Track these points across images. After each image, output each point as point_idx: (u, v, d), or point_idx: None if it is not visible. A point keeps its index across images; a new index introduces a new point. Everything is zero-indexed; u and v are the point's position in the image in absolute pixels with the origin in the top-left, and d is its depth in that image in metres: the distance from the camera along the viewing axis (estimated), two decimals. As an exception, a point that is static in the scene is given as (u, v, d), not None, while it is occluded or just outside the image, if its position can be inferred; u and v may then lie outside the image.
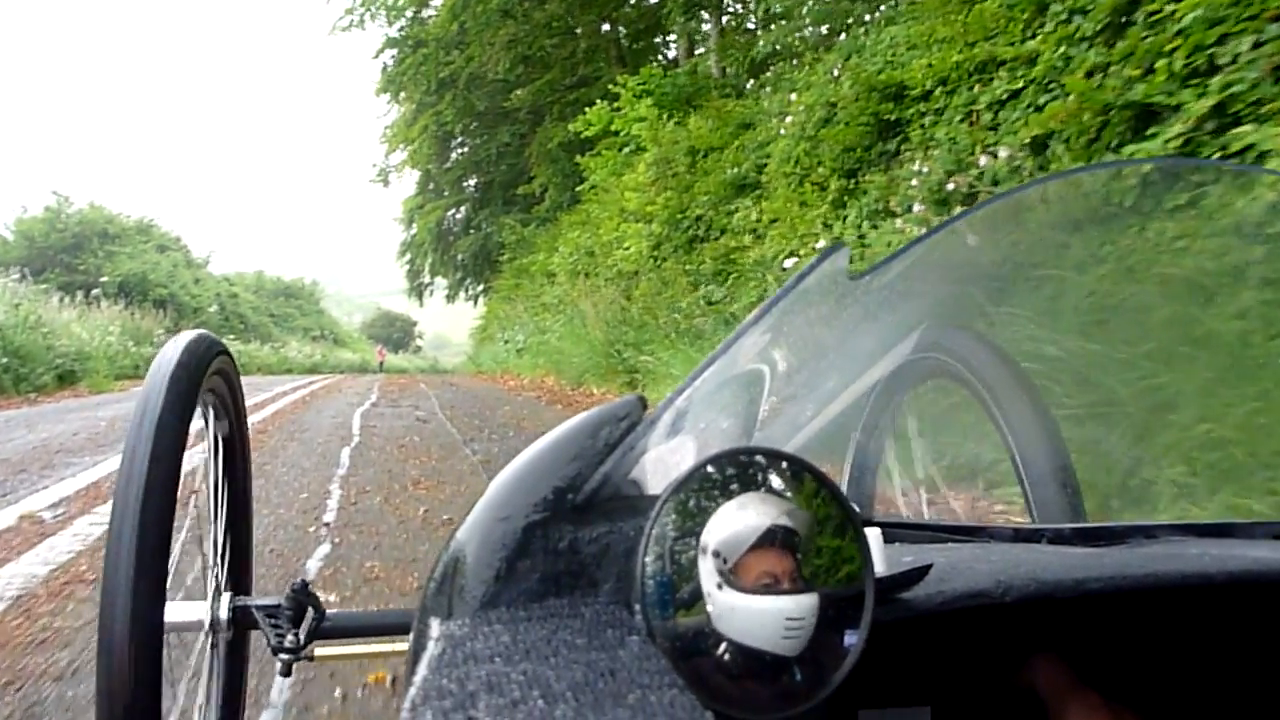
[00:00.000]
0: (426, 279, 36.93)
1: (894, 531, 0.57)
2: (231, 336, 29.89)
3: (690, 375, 0.53)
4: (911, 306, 0.75)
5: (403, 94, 29.63)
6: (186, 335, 0.99)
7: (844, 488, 0.85)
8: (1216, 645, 0.54)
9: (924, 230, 0.65)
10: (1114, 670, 0.52)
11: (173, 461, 0.87)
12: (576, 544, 0.48)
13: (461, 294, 35.90)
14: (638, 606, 0.43)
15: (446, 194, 32.90)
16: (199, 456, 1.13)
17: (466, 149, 31.39)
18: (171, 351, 0.95)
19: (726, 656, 0.41)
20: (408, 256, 36.48)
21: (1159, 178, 0.83)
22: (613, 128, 16.50)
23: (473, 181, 32.19)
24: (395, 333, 75.07)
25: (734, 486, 0.44)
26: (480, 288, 34.67)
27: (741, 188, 9.93)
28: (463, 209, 33.09)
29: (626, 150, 15.64)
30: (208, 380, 0.99)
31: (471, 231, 31.99)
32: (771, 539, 0.42)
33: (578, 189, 19.34)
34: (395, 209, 35.67)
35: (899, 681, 0.52)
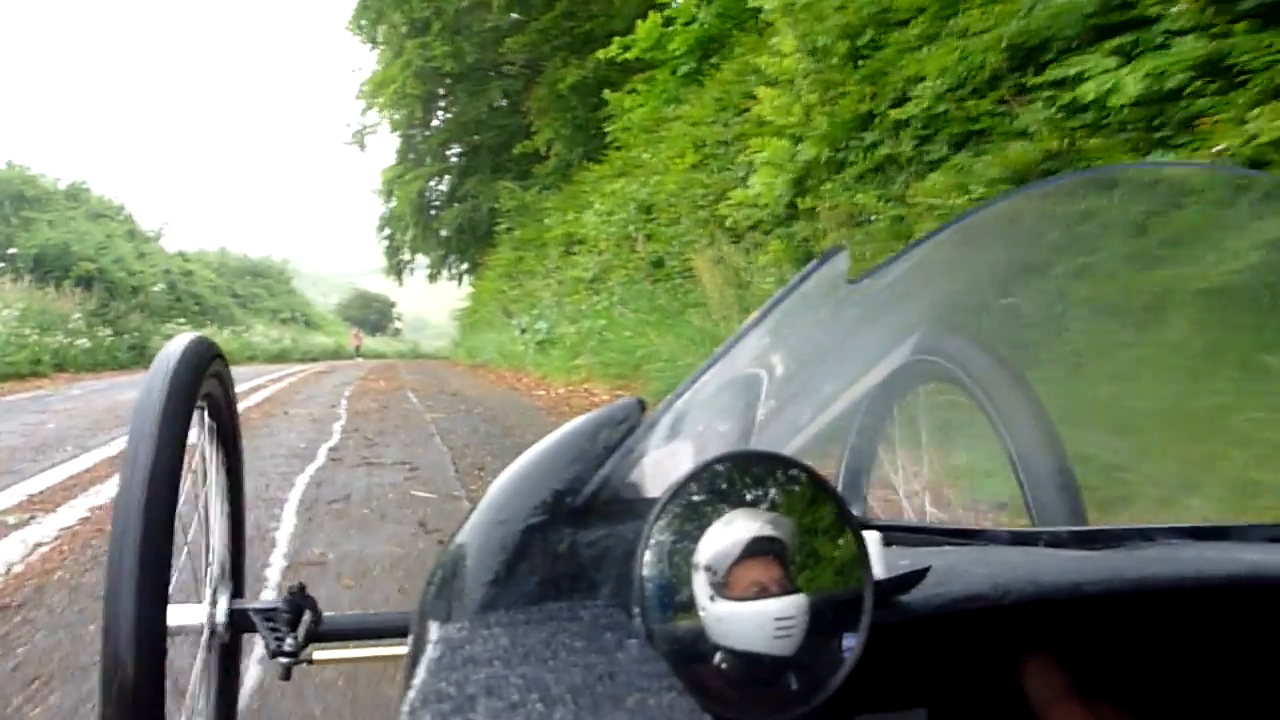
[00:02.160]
0: (406, 256, 34.17)
1: (891, 534, 0.56)
2: (181, 320, 24.55)
3: (689, 378, 0.53)
4: (909, 310, 0.74)
5: (380, 31, 24.15)
6: (183, 339, 0.99)
7: (841, 491, 0.73)
8: (1213, 648, 0.54)
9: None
10: (1111, 673, 0.52)
11: (173, 466, 0.86)
12: (575, 547, 0.48)
13: (444, 273, 33.36)
14: (637, 610, 0.43)
15: (429, 162, 30.26)
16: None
17: (451, 113, 28.69)
18: (170, 356, 0.94)
19: (725, 662, 0.42)
20: (386, 231, 33.60)
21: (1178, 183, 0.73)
22: (669, 49, 11.36)
23: (457, 150, 29.76)
24: (372, 314, 69.97)
25: (732, 490, 0.44)
26: (464, 266, 32.32)
27: (1037, 49, 4.84)
28: (446, 179, 30.72)
29: (678, 76, 10.55)
30: (204, 384, 0.98)
31: (456, 204, 29.39)
32: (759, 549, 0.42)
33: (607, 132, 15.48)
34: (374, 182, 32.93)
35: (895, 684, 0.52)
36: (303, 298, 51.12)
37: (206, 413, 1.10)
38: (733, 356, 0.54)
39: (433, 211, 30.35)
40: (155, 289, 25.64)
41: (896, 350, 0.78)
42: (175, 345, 0.97)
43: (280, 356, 30.90)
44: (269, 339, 33.57)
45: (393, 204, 31.51)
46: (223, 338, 27.97)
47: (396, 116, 28.40)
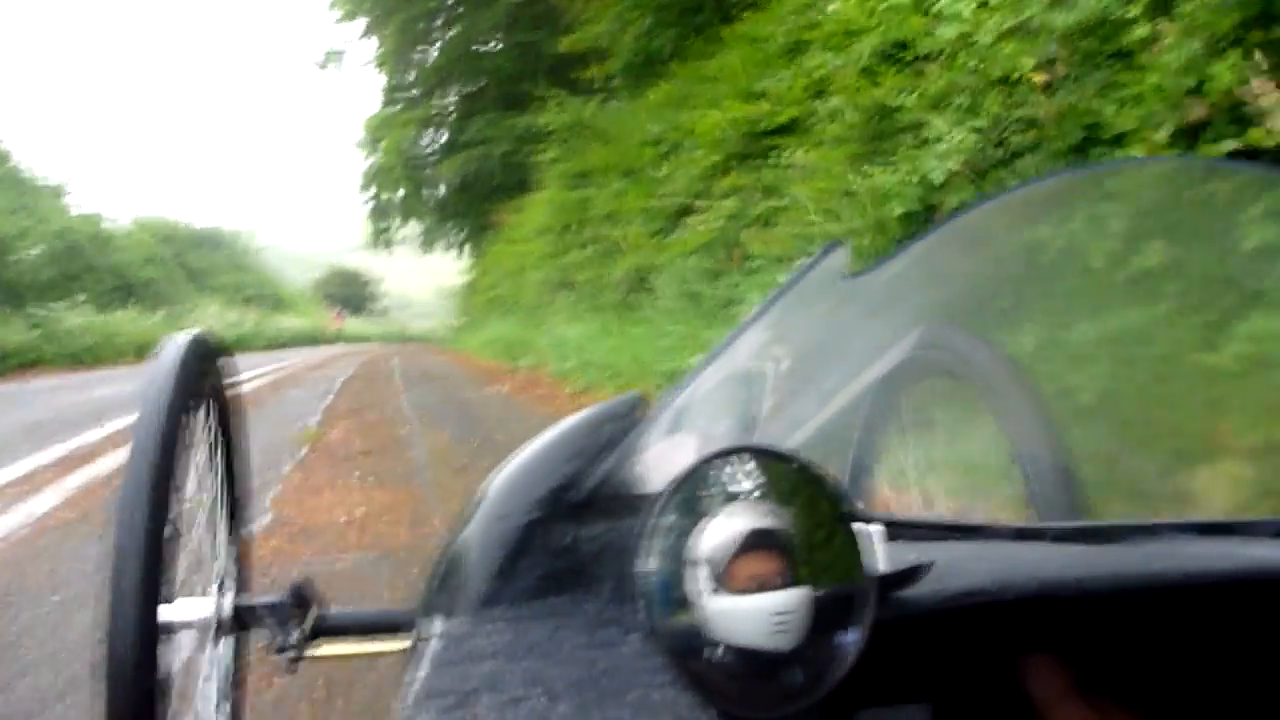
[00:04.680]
0: (395, 222, 27.71)
1: (894, 529, 0.54)
2: (81, 298, 16.19)
3: (691, 373, 0.53)
4: (910, 304, 0.74)
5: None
6: (185, 335, 0.97)
7: (843, 485, 0.67)
8: (1218, 644, 0.53)
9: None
10: (1115, 669, 0.51)
11: (175, 461, 0.85)
12: (576, 542, 0.48)
13: (439, 242, 27.48)
14: (638, 605, 0.42)
15: (420, 106, 24.27)
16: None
17: (453, 35, 22.50)
18: (171, 351, 0.93)
19: (725, 657, 0.41)
20: (371, 191, 27.10)
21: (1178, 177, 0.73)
22: None
23: (453, 98, 23.76)
24: (354, 292, 61.04)
25: (733, 485, 0.44)
26: (463, 233, 26.41)
27: None
28: (443, 131, 24.36)
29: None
30: (206, 379, 0.99)
31: (459, 152, 22.58)
32: (758, 542, 0.42)
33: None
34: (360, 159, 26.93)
35: (898, 679, 0.51)
36: (269, 273, 42.22)
37: (209, 408, 1.08)
38: (733, 352, 0.53)
39: (428, 171, 24.89)
40: (32, 253, 16.82)
41: (897, 345, 0.78)
42: (175, 343, 0.95)
43: (237, 345, 22.42)
44: (224, 323, 25.55)
45: (378, 156, 25.70)
46: (150, 322, 20.47)
47: (381, 50, 23.45)
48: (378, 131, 25.05)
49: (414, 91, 24.18)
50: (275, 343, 28.09)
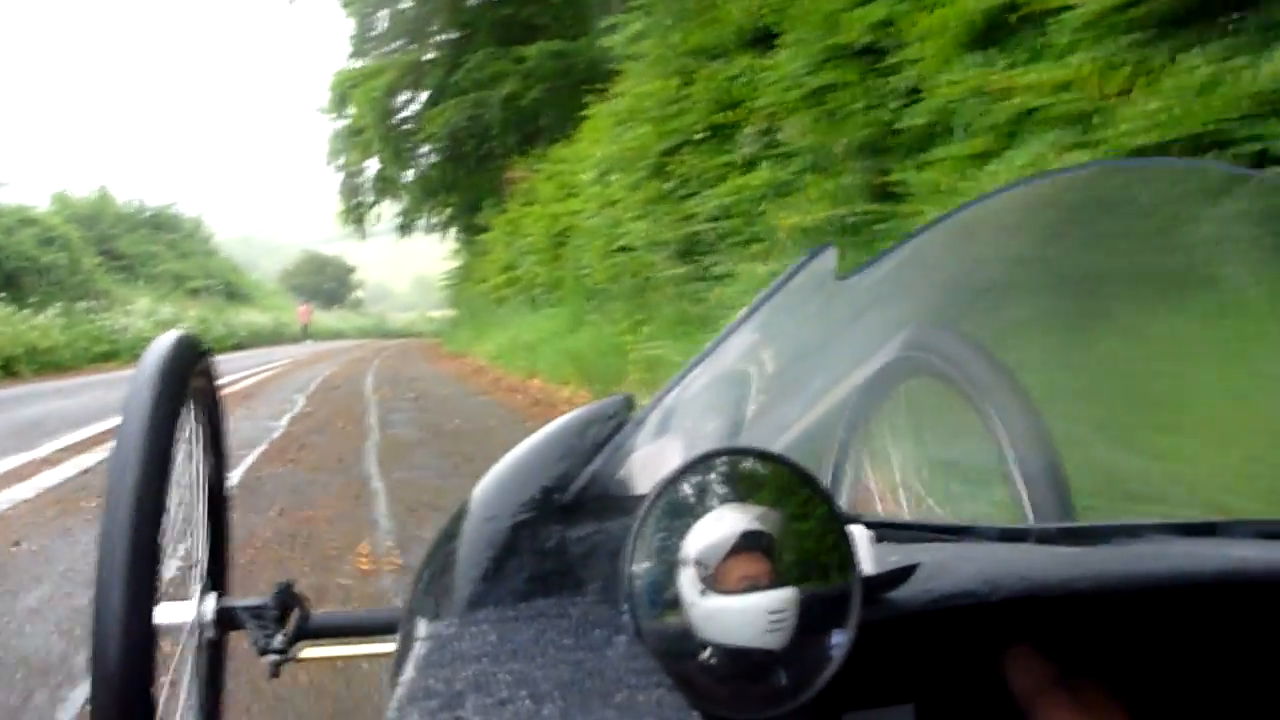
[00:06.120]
0: (369, 198, 22.57)
1: (880, 530, 0.53)
2: None
3: (678, 375, 0.52)
4: (899, 306, 0.73)
5: None
6: (170, 337, 0.94)
7: (830, 487, 0.72)
8: (1202, 644, 0.53)
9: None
10: (1101, 669, 0.51)
11: (161, 464, 0.82)
12: (564, 544, 0.47)
13: (418, 227, 22.96)
14: (625, 606, 0.42)
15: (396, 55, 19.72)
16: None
17: None
18: (157, 354, 0.89)
19: (713, 658, 0.41)
20: (341, 160, 22.11)
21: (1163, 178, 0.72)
22: None
23: (433, 54, 19.21)
24: (326, 282, 55.68)
25: (720, 487, 0.44)
26: (447, 213, 21.46)
27: None
28: (425, 88, 19.27)
29: None
30: (191, 382, 0.95)
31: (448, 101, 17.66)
32: (749, 544, 0.42)
33: None
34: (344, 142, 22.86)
35: (882, 680, 0.51)
36: (227, 260, 36.22)
37: (193, 411, 1.05)
38: (721, 353, 0.52)
39: (406, 129, 20.06)
40: None
41: (885, 346, 0.77)
42: (162, 343, 0.92)
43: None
44: (157, 322, 21.39)
45: (348, 117, 20.97)
46: (30, 323, 15.69)
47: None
48: (345, 84, 20.60)
49: (394, 44, 19.87)
50: (224, 344, 22.38)
